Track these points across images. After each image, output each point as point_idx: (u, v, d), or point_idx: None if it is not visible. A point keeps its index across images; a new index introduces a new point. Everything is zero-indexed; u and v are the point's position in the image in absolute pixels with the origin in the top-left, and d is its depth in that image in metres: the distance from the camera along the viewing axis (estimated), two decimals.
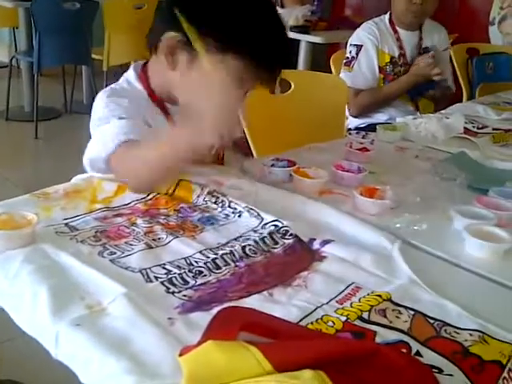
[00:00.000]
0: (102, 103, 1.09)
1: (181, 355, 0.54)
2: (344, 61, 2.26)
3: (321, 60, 3.35)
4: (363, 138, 1.39)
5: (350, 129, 2.27)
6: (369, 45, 2.23)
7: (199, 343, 0.55)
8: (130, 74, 1.17)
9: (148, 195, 1.01)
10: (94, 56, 3.92)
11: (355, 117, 2.29)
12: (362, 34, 2.25)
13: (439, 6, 2.25)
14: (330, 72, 2.33)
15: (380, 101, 2.24)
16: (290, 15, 3.25)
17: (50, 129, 3.88)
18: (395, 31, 2.26)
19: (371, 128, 1.67)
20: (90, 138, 1.08)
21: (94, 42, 3.94)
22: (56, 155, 3.44)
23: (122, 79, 1.18)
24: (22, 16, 3.94)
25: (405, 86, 2.22)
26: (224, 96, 0.89)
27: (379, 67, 2.24)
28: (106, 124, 1.03)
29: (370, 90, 2.23)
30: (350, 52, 2.25)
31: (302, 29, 3.21)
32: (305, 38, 3.22)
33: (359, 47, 2.23)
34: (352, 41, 2.27)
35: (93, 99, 1.14)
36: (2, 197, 0.95)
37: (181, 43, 1.02)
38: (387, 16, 2.28)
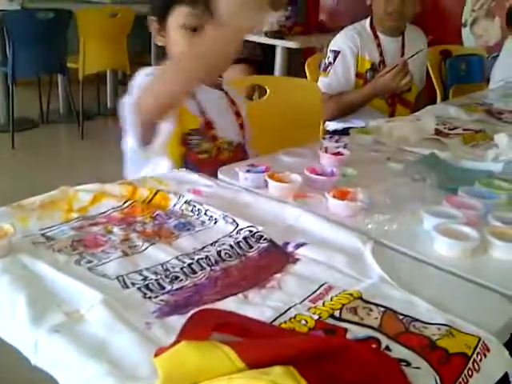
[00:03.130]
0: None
1: (156, 356, 0.56)
2: (322, 66, 2.25)
3: (297, 65, 3.39)
4: (337, 141, 1.41)
5: (328, 131, 2.28)
6: (347, 52, 2.20)
7: (173, 344, 0.57)
8: None
9: (124, 203, 1.03)
10: (69, 65, 3.91)
11: (329, 121, 2.29)
12: (341, 41, 2.23)
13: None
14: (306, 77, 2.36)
15: (342, 108, 2.19)
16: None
17: (27, 139, 3.86)
18: (376, 36, 2.24)
19: (347, 131, 1.69)
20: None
21: (70, 51, 3.93)
22: (33, 166, 3.42)
23: None
24: None
25: (366, 97, 2.16)
26: None
27: (359, 74, 2.22)
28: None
29: (335, 97, 2.19)
30: (328, 58, 2.23)
31: (277, 34, 3.25)
32: (280, 43, 3.25)
33: (337, 53, 2.21)
34: (331, 46, 2.25)
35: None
36: None
37: (156, 24, 1.35)
38: (368, 21, 2.27)
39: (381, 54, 2.25)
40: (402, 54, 2.27)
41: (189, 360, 0.54)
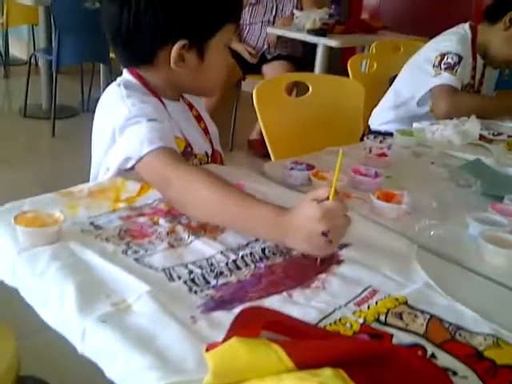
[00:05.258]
0: (124, 103, 1.08)
1: (207, 351, 0.57)
2: (444, 66, 2.02)
3: (335, 63, 3.36)
4: (381, 142, 1.40)
5: (370, 130, 2.24)
6: (466, 62, 2.02)
7: (224, 340, 0.57)
8: (126, 75, 1.19)
9: None
10: (112, 55, 3.96)
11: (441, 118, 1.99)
12: (462, 49, 2.03)
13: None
14: (345, 75, 2.33)
15: (479, 111, 1.92)
16: (308, 18, 3.27)
17: (67, 127, 3.92)
18: (474, 58, 2.08)
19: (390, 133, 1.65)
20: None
21: None
22: (72, 153, 3.47)
23: (119, 80, 1.19)
24: (41, 14, 3.99)
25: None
26: None
27: None
28: (137, 124, 1.02)
29: (475, 96, 2.06)
30: (452, 58, 2.01)
31: (319, 32, 3.22)
32: (321, 41, 3.23)
33: (460, 58, 2.01)
34: (452, 49, 2.03)
35: None
36: (18, 195, 0.97)
37: (186, 48, 1.10)
38: (470, 35, 2.07)
39: (472, 77, 2.09)
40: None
41: (239, 356, 0.54)
